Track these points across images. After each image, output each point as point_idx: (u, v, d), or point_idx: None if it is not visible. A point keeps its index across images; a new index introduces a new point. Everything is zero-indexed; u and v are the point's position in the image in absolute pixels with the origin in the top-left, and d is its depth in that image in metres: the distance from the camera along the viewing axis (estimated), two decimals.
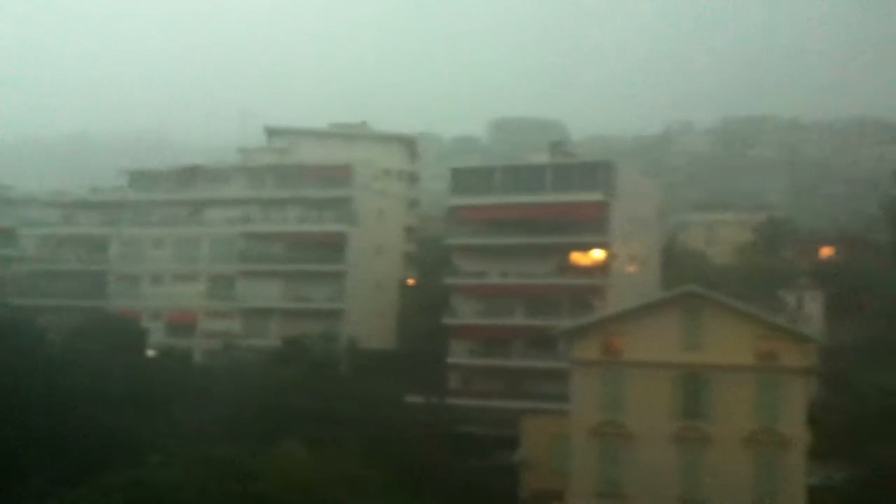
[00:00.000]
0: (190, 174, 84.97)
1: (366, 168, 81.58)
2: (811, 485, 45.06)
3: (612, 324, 49.45)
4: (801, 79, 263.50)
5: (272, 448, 37.85)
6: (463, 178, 74.43)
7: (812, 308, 79.04)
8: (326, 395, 50.42)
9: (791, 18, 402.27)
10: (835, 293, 79.81)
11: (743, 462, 44.36)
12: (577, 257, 70.00)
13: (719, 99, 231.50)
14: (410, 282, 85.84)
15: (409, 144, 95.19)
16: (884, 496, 43.38)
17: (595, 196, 68.99)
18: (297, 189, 79.84)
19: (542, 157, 76.89)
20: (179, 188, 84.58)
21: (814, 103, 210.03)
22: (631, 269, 72.37)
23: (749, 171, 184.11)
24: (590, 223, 69.09)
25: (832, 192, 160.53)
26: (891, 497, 42.97)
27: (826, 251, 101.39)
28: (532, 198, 70.53)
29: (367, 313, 77.03)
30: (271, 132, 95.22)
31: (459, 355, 70.40)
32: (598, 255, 69.19)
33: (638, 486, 45.08)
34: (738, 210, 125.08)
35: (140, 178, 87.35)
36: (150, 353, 64.67)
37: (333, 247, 77.20)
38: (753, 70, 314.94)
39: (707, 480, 44.59)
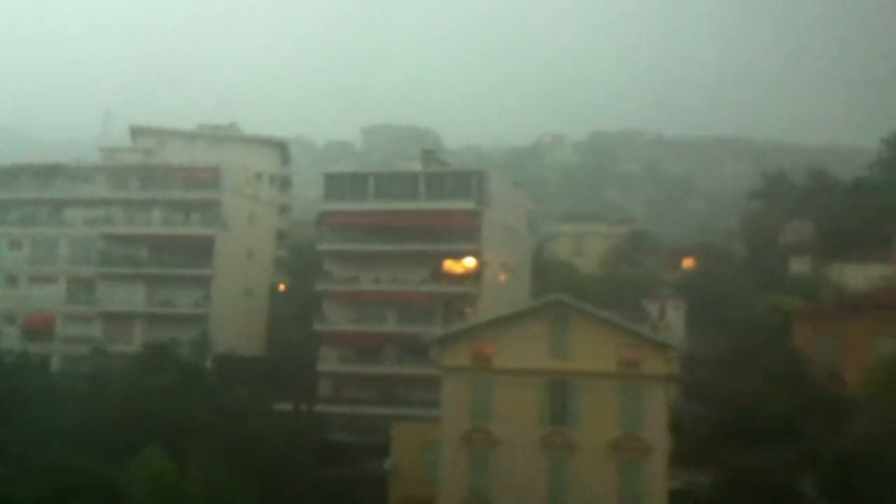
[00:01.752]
0: (50, 172, 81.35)
1: (236, 171, 79.89)
2: (673, 489, 46.44)
3: (482, 331, 49.84)
4: (666, 96, 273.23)
5: (132, 458, 36.43)
6: (336, 184, 73.83)
7: (674, 317, 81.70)
8: (190, 404, 48.91)
9: (658, 38, 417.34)
10: (695, 303, 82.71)
11: (607, 468, 45.34)
12: (450, 265, 70.44)
13: (589, 113, 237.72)
14: (281, 288, 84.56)
15: (280, 148, 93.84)
16: (741, 499, 45.05)
17: (467, 205, 69.63)
18: (162, 190, 77.45)
19: (416, 165, 77.14)
20: (38, 186, 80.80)
21: (678, 120, 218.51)
22: (502, 277, 73.29)
23: (615, 184, 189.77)
24: (462, 231, 69.72)
25: (693, 207, 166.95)
26: (747, 500, 44.66)
27: (687, 263, 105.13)
28: (405, 205, 70.62)
29: (236, 319, 75.43)
30: (136, 132, 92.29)
31: (330, 362, 69.78)
32: (470, 263, 69.79)
33: (505, 493, 45.50)
34: (605, 222, 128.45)
35: None
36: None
37: (200, 251, 75.22)
38: (622, 86, 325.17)
39: (572, 486, 45.37)
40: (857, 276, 69.22)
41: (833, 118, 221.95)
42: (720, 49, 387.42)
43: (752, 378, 57.56)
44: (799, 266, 79.30)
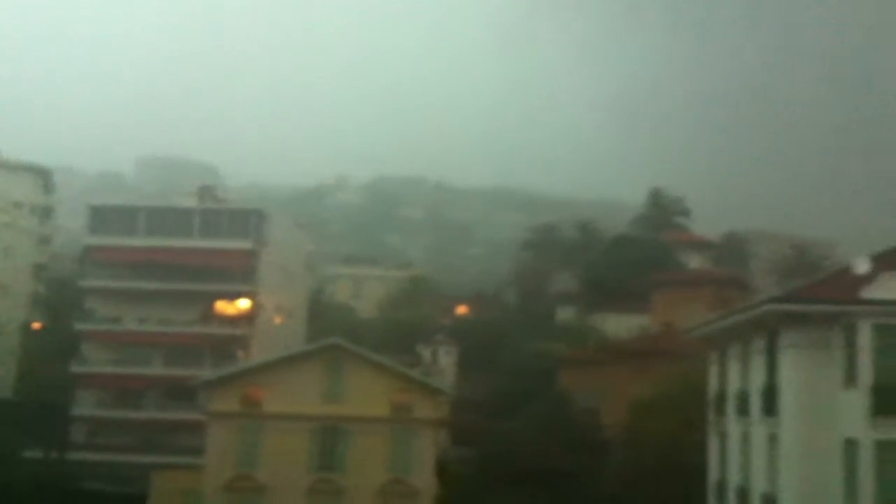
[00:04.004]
0: None
1: None
2: None
3: (253, 375, 48.40)
4: (449, 145, 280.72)
5: None
6: (103, 217, 70.21)
7: (446, 362, 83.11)
8: None
9: (441, 87, 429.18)
10: (467, 348, 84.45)
11: None
12: (223, 306, 68.37)
13: (373, 158, 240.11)
14: (36, 325, 78.88)
15: (43, 175, 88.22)
16: None
17: (244, 244, 68.05)
18: None
19: (192, 201, 74.68)
20: None
21: (459, 169, 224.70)
22: (277, 319, 71.87)
23: (397, 229, 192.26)
24: (237, 271, 67.99)
25: (472, 254, 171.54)
26: None
27: (462, 308, 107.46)
28: (178, 242, 68.06)
29: None
30: None
31: (86, 406, 65.56)
32: (243, 304, 68.01)
33: None
34: (385, 266, 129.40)
35: None
36: None
37: None
38: (407, 131, 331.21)
39: None
40: (618, 325, 73.13)
41: (601, 173, 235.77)
42: (499, 101, 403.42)
43: (518, 421, 59.12)
44: (565, 314, 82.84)
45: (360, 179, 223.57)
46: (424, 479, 45.72)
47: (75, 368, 65.96)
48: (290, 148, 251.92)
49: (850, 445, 25.49)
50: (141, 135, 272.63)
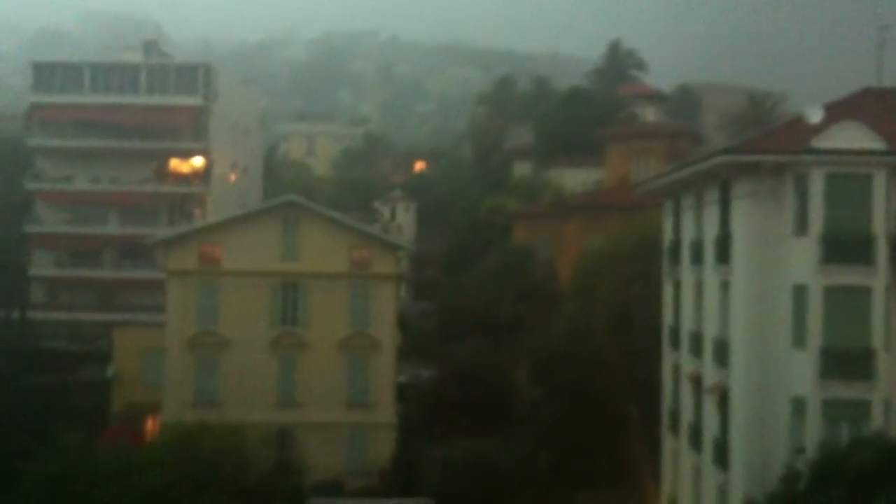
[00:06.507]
0: None
1: None
2: (400, 383, 48.10)
3: (210, 233, 48.33)
4: None
5: None
6: (47, 74, 68.15)
7: (404, 219, 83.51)
8: None
9: None
10: (425, 205, 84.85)
11: (337, 365, 46.04)
12: (175, 164, 67.50)
13: (322, 12, 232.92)
14: None
15: None
16: (462, 390, 47.45)
17: (193, 100, 66.70)
18: None
19: (136, 57, 72.52)
20: None
21: (411, 24, 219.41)
22: (232, 177, 71.29)
23: (348, 85, 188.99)
24: (187, 129, 66.88)
25: (424, 110, 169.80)
26: (468, 390, 47.10)
27: (418, 165, 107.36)
28: (125, 99, 66.53)
29: None
30: None
31: (44, 266, 65.26)
32: (197, 162, 67.19)
33: (235, 393, 45.08)
34: (338, 122, 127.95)
35: None
36: None
37: None
38: None
39: (303, 383, 45.76)
40: (573, 179, 73.55)
41: (557, 27, 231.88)
42: None
43: (474, 275, 60.24)
44: (521, 169, 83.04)
45: (308, 34, 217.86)
46: (386, 332, 46.67)
47: (30, 229, 65.24)
48: (233, 1, 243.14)
49: (800, 291, 26.40)
50: None
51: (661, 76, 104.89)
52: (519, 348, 50.07)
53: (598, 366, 42.04)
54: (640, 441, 41.28)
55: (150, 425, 46.92)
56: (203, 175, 66.75)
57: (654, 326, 37.59)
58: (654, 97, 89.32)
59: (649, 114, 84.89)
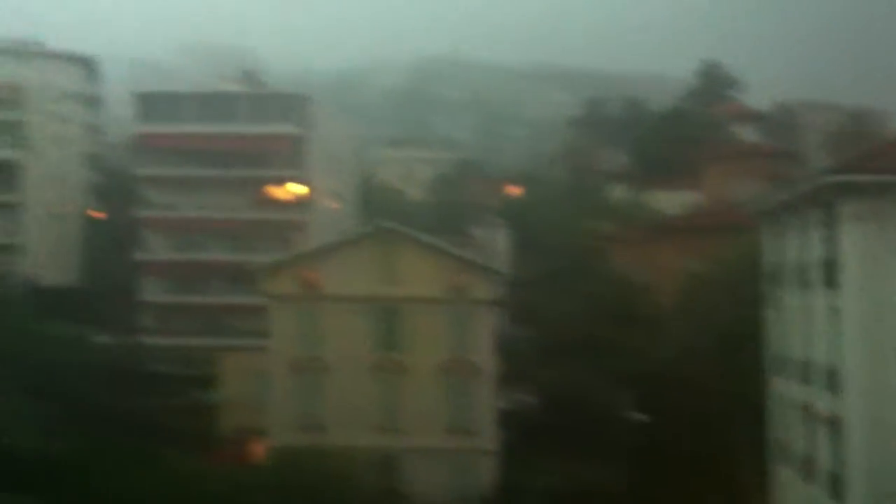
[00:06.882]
0: None
1: (40, 89, 74.86)
2: (501, 409, 48.02)
3: (310, 259, 49.39)
4: (490, 24, 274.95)
5: None
6: (151, 104, 70.54)
7: (498, 243, 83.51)
8: None
9: None
10: (519, 229, 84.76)
11: (437, 390, 46.31)
12: (275, 191, 69.10)
13: (414, 40, 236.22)
14: (98, 214, 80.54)
15: (89, 65, 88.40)
16: (564, 415, 47.13)
17: (291, 129, 68.22)
18: None
19: (235, 86, 74.66)
20: None
21: (500, 48, 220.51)
22: (329, 203, 72.60)
23: (440, 111, 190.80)
24: (285, 157, 68.31)
25: (516, 134, 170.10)
26: (569, 416, 46.77)
27: (512, 189, 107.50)
28: (225, 128, 68.40)
29: (46, 247, 71.49)
30: None
31: (153, 292, 67.41)
32: (296, 189, 68.67)
33: (337, 417, 45.74)
34: (431, 148, 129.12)
35: None
36: None
37: (6, 175, 70.63)
38: (447, 11, 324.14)
39: (403, 408, 46.13)
40: (668, 202, 72.79)
41: (650, 47, 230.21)
42: None
43: (572, 299, 59.88)
44: (616, 192, 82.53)
45: (401, 61, 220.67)
46: (484, 357, 46.76)
47: (140, 256, 67.51)
48: (327, 32, 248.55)
49: None
50: (178, 21, 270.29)
51: (757, 95, 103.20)
52: (618, 372, 49.53)
53: (704, 390, 41.31)
54: (748, 470, 40.36)
55: (256, 448, 47.88)
56: (302, 202, 68.15)
57: (759, 350, 36.79)
58: (751, 116, 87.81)
59: (746, 133, 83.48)
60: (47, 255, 70.73)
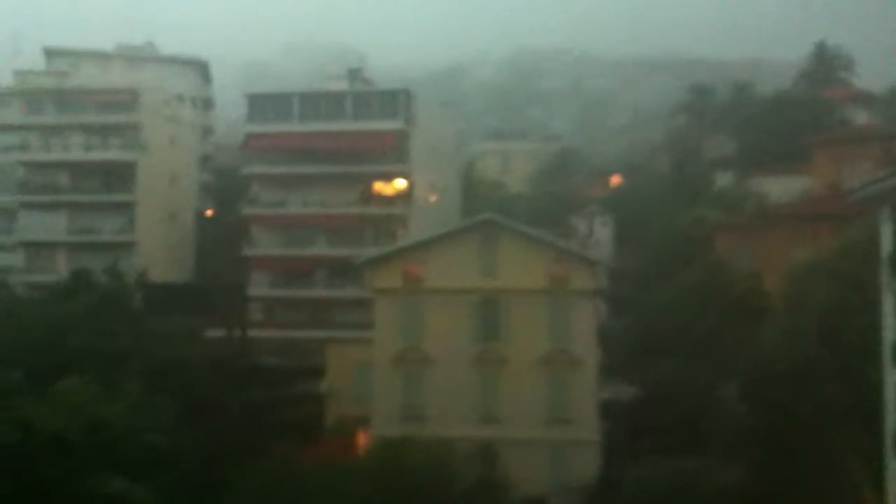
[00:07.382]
0: None
1: (154, 93, 77.71)
2: (602, 400, 47.74)
3: (412, 252, 50.04)
4: (589, 13, 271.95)
5: (51, 388, 35.73)
6: (259, 105, 72.39)
7: (601, 233, 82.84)
8: (113, 331, 48.27)
9: None
10: (622, 219, 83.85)
11: (538, 380, 46.33)
12: (379, 186, 70.06)
13: (511, 32, 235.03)
14: (208, 213, 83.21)
15: (201, 68, 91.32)
16: (666, 408, 46.54)
17: (395, 125, 69.01)
18: (79, 114, 75.13)
19: (340, 85, 75.89)
20: None
21: (601, 38, 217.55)
22: (432, 197, 73.20)
23: (539, 102, 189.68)
24: (390, 152, 69.17)
25: (617, 123, 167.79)
26: (671, 408, 46.14)
27: (614, 179, 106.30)
28: (331, 126, 69.67)
29: (162, 246, 74.26)
30: (50, 53, 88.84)
31: (261, 287, 69.25)
32: (399, 184, 69.49)
33: (440, 408, 46.28)
34: (531, 140, 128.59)
35: None
36: None
37: (121, 176, 73.61)
38: (547, 3, 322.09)
39: (505, 399, 46.31)
40: (778, 188, 70.73)
41: (757, 31, 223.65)
42: None
43: (676, 290, 58.93)
44: (722, 180, 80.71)
45: (498, 54, 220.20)
46: (586, 348, 46.60)
47: (248, 251, 69.49)
48: (427, 26, 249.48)
49: None
50: (283, 21, 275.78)
51: (871, 77, 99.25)
52: (723, 364, 48.50)
53: (812, 382, 40.09)
54: (863, 464, 39.01)
55: (360, 438, 48.80)
56: (405, 196, 68.94)
57: (876, 340, 35.47)
58: (865, 99, 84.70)
59: (860, 117, 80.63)
60: (160, 253, 73.38)
